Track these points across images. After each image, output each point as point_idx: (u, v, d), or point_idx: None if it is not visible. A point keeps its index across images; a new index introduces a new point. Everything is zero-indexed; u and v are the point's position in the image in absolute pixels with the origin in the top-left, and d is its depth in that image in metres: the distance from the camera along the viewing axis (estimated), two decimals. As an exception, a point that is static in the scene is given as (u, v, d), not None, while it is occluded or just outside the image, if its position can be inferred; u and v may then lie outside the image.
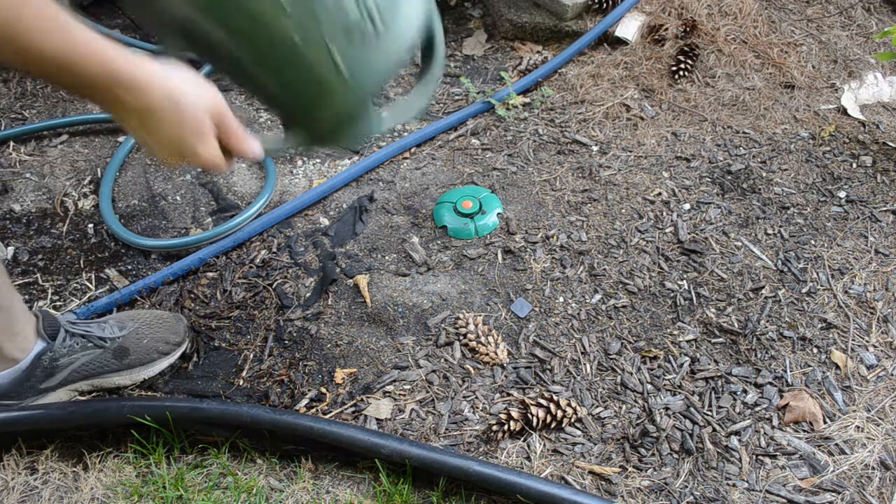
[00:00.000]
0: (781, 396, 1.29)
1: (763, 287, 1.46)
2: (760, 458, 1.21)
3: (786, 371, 1.33)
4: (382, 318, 1.40)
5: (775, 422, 1.26)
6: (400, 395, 1.30)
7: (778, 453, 1.22)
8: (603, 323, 1.41)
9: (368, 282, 1.46)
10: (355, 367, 1.34)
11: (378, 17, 0.78)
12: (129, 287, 1.45)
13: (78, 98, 1.92)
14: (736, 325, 1.39)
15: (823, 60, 2.04)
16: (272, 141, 0.91)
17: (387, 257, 1.52)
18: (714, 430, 1.25)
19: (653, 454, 1.22)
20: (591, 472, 1.19)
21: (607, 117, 1.88)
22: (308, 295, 1.46)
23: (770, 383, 1.31)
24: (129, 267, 1.53)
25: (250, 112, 1.92)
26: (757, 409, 1.28)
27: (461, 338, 1.37)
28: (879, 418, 1.27)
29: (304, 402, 1.28)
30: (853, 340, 1.38)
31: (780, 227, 1.59)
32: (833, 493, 1.16)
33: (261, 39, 0.76)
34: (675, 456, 1.22)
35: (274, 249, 1.55)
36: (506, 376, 1.33)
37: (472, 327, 1.37)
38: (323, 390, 1.30)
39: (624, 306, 1.44)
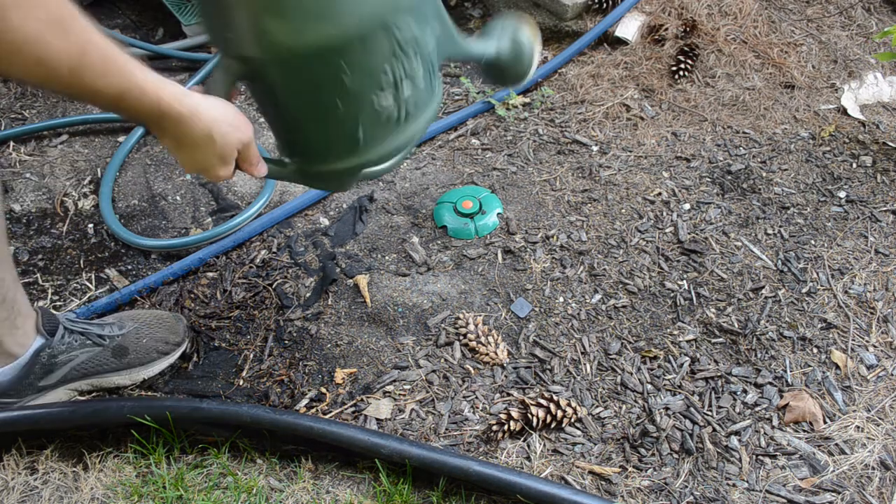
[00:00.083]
0: (781, 396, 1.29)
1: (763, 287, 1.46)
2: (760, 458, 1.21)
3: (786, 371, 1.33)
4: (382, 318, 1.40)
5: (775, 422, 1.26)
6: (400, 395, 1.30)
7: (778, 453, 1.22)
8: (603, 323, 1.41)
9: (368, 282, 1.46)
10: (355, 367, 1.34)
11: (405, 110, 0.90)
12: (129, 287, 1.45)
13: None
14: (736, 325, 1.39)
15: (823, 60, 2.04)
16: (273, 171, 1.00)
17: (387, 257, 1.52)
18: (714, 430, 1.25)
19: (653, 454, 1.22)
20: (591, 472, 1.19)
21: (607, 117, 1.88)
22: (308, 295, 1.46)
23: (770, 383, 1.31)
24: (129, 267, 1.53)
25: (250, 112, 1.92)
26: (757, 409, 1.28)
27: (461, 338, 1.37)
28: (879, 418, 1.27)
29: (304, 402, 1.28)
30: (853, 340, 1.38)
31: (780, 227, 1.59)
32: (833, 493, 1.16)
33: (313, 95, 0.86)
34: (675, 456, 1.22)
35: (274, 249, 1.55)
36: (506, 376, 1.33)
37: (472, 327, 1.37)
38: (323, 390, 1.30)
39: (624, 306, 1.44)
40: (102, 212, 1.60)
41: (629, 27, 2.09)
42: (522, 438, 1.24)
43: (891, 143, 1.81)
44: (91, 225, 1.62)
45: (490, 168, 1.74)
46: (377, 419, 1.26)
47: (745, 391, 1.30)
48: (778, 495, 1.16)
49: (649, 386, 1.31)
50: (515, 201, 1.64)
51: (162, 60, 2.10)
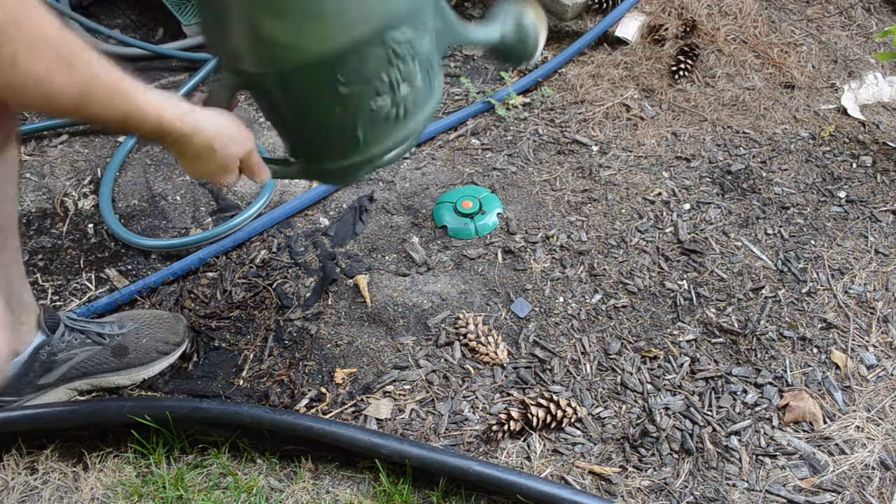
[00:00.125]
0: (781, 396, 1.29)
1: (763, 287, 1.46)
2: (760, 458, 1.21)
3: (786, 371, 1.33)
4: (382, 318, 1.40)
5: (775, 422, 1.26)
6: (400, 395, 1.30)
7: (778, 453, 1.22)
8: (603, 323, 1.41)
9: (368, 282, 1.46)
10: (355, 367, 1.34)
11: (404, 108, 0.91)
12: (129, 287, 1.45)
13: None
14: (736, 325, 1.39)
15: (823, 60, 2.04)
16: (278, 170, 1.04)
17: (387, 257, 1.52)
18: (714, 430, 1.25)
19: (653, 454, 1.22)
20: (591, 472, 1.19)
21: (607, 117, 1.88)
22: (308, 295, 1.46)
23: (770, 383, 1.31)
24: (129, 267, 1.53)
25: (250, 112, 1.92)
26: (757, 409, 1.28)
27: (461, 338, 1.37)
28: (879, 418, 1.27)
29: (304, 402, 1.28)
30: (853, 340, 1.38)
31: (780, 227, 1.59)
32: (833, 493, 1.16)
33: (310, 103, 0.89)
34: (675, 456, 1.22)
35: (274, 249, 1.55)
36: (506, 376, 1.33)
37: (472, 327, 1.37)
38: (323, 390, 1.30)
39: (624, 306, 1.44)
40: (102, 212, 1.60)
41: (629, 27, 2.09)
42: (522, 438, 1.24)
43: (891, 143, 1.81)
44: (91, 225, 1.62)
45: (490, 168, 1.74)
46: (377, 419, 1.26)
47: (745, 391, 1.30)
48: (778, 495, 1.16)
49: (649, 386, 1.31)
50: (515, 201, 1.64)
51: (162, 60, 2.10)
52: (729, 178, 1.71)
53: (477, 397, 1.30)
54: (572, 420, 1.25)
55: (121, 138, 1.84)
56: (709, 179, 1.71)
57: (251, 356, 1.36)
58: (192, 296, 1.46)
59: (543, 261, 1.51)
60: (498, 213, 1.59)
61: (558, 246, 1.54)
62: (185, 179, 1.73)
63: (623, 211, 1.63)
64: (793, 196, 1.66)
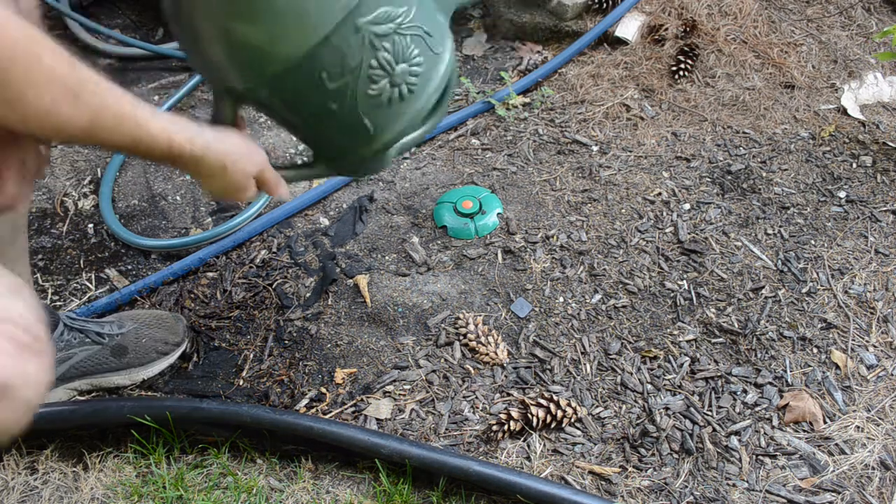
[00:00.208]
0: (781, 396, 1.29)
1: (763, 287, 1.46)
2: (760, 458, 1.21)
3: (786, 371, 1.33)
4: (382, 318, 1.40)
5: (775, 422, 1.26)
6: (400, 395, 1.30)
7: (778, 453, 1.22)
8: (603, 323, 1.41)
9: (368, 282, 1.46)
10: (355, 367, 1.34)
11: (406, 87, 0.89)
12: (129, 287, 1.45)
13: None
14: (736, 325, 1.39)
15: (823, 60, 2.04)
16: (296, 174, 1.05)
17: (387, 257, 1.52)
18: (714, 430, 1.25)
19: (653, 454, 1.22)
20: (591, 472, 1.19)
21: (607, 117, 1.88)
22: (308, 295, 1.46)
23: (770, 383, 1.31)
24: (129, 267, 1.53)
25: (250, 112, 1.92)
26: (757, 409, 1.28)
27: (461, 338, 1.37)
28: (879, 418, 1.27)
29: (304, 402, 1.28)
30: (853, 340, 1.38)
31: (780, 227, 1.59)
32: (833, 493, 1.16)
33: (304, 105, 0.89)
34: (675, 456, 1.22)
35: (274, 249, 1.55)
36: (506, 376, 1.33)
37: (472, 327, 1.37)
38: (323, 390, 1.30)
39: (624, 306, 1.44)
40: (102, 212, 1.60)
41: (629, 27, 2.09)
42: (522, 438, 1.24)
43: (891, 143, 1.81)
44: (91, 225, 1.62)
45: (490, 168, 1.74)
46: (377, 419, 1.26)
47: (745, 391, 1.30)
48: (778, 495, 1.16)
49: (649, 386, 1.31)
50: (515, 201, 1.64)
51: (162, 60, 2.10)
52: (729, 178, 1.71)
53: (477, 397, 1.30)
54: (572, 420, 1.25)
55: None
56: (709, 179, 1.71)
57: (251, 356, 1.36)
58: (192, 296, 1.46)
59: (543, 261, 1.51)
60: (498, 213, 1.59)
61: (558, 246, 1.54)
62: (184, 179, 1.73)
63: (623, 211, 1.63)
64: (793, 196, 1.66)
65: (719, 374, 1.32)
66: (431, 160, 1.78)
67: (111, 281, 1.50)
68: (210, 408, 1.18)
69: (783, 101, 1.92)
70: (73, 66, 0.69)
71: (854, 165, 1.75)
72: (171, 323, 1.33)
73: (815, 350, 1.37)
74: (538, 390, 1.30)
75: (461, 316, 1.39)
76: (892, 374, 1.33)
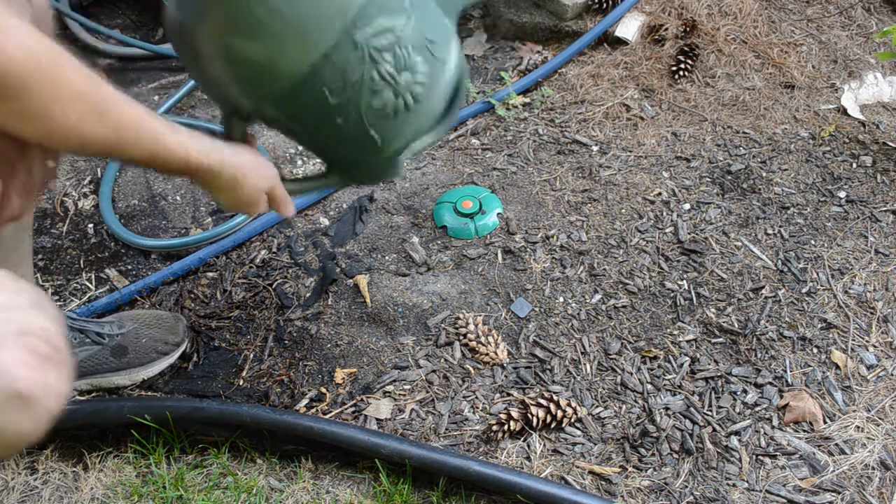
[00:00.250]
0: (781, 396, 1.29)
1: (763, 287, 1.46)
2: (760, 458, 1.21)
3: (786, 371, 1.33)
4: (382, 318, 1.40)
5: (775, 422, 1.26)
6: (400, 395, 1.30)
7: (778, 453, 1.22)
8: (603, 323, 1.41)
9: (368, 282, 1.46)
10: (355, 367, 1.34)
11: (411, 97, 0.88)
12: (129, 287, 1.45)
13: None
14: (736, 325, 1.39)
15: (823, 60, 2.04)
16: (312, 185, 1.07)
17: (387, 257, 1.52)
18: (714, 430, 1.25)
19: (653, 454, 1.22)
20: (591, 472, 1.19)
21: (607, 117, 1.88)
22: (308, 295, 1.46)
23: (770, 383, 1.31)
24: (129, 267, 1.53)
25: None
26: (757, 409, 1.28)
27: (461, 338, 1.37)
28: (879, 418, 1.27)
29: (304, 402, 1.28)
30: (853, 340, 1.38)
31: (780, 227, 1.59)
32: (833, 493, 1.16)
33: (310, 121, 0.90)
34: (675, 456, 1.22)
35: (274, 249, 1.55)
36: (506, 376, 1.33)
37: (472, 327, 1.37)
38: (323, 390, 1.30)
39: (624, 306, 1.44)
40: (102, 212, 1.60)
41: (629, 27, 2.09)
42: (522, 438, 1.24)
43: (891, 143, 1.81)
44: (91, 225, 1.62)
45: (490, 168, 1.74)
46: (377, 419, 1.26)
47: (745, 391, 1.30)
48: (778, 495, 1.16)
49: (649, 386, 1.31)
50: (515, 201, 1.64)
51: (162, 60, 2.10)
52: (729, 178, 1.71)
53: (477, 397, 1.30)
54: (572, 420, 1.25)
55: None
56: (709, 179, 1.71)
57: (251, 356, 1.36)
58: (192, 296, 1.46)
59: (543, 261, 1.51)
60: (498, 213, 1.59)
61: (558, 246, 1.54)
62: (184, 180, 1.74)
63: (623, 211, 1.63)
64: (793, 196, 1.66)
65: (719, 374, 1.32)
66: (431, 160, 1.78)
67: (111, 281, 1.50)
68: (210, 408, 1.18)
69: (783, 101, 1.92)
70: (97, 83, 0.71)
71: (854, 165, 1.75)
72: (171, 323, 1.33)
73: (815, 350, 1.37)
74: (538, 390, 1.30)
75: (461, 316, 1.39)
76: (892, 374, 1.33)
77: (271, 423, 1.16)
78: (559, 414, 1.22)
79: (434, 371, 1.33)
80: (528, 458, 1.21)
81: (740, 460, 1.21)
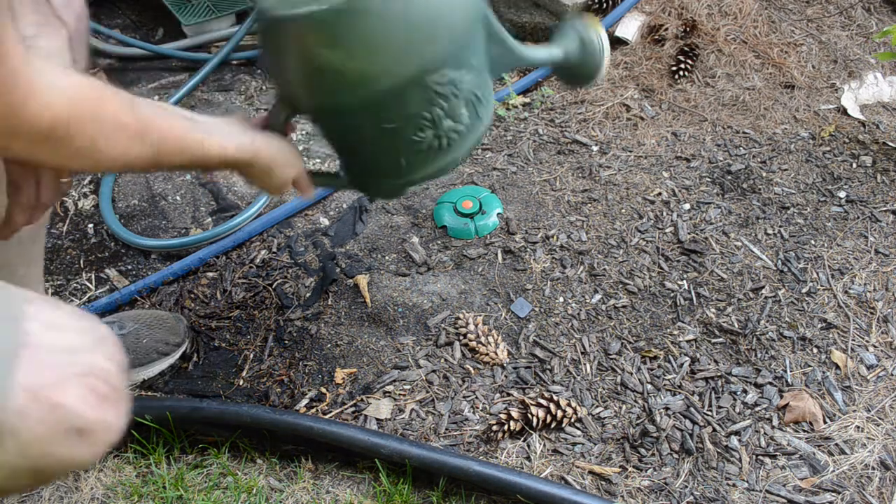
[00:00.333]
0: (781, 396, 1.29)
1: (763, 287, 1.46)
2: (760, 458, 1.21)
3: (786, 371, 1.33)
4: (382, 318, 1.40)
5: (775, 422, 1.26)
6: (400, 395, 1.30)
7: (778, 453, 1.22)
8: (603, 323, 1.41)
9: (368, 282, 1.46)
10: (355, 367, 1.34)
11: (446, 141, 0.95)
12: (129, 287, 1.45)
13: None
14: (736, 325, 1.39)
15: (823, 60, 2.04)
16: (329, 182, 1.14)
17: (387, 257, 1.52)
18: (714, 430, 1.25)
19: (653, 454, 1.22)
20: (591, 472, 1.19)
21: (607, 117, 1.88)
22: (308, 295, 1.46)
23: (770, 383, 1.31)
24: (129, 267, 1.53)
25: (250, 112, 1.92)
26: (757, 409, 1.28)
27: (461, 338, 1.37)
28: (879, 418, 1.27)
29: (304, 402, 1.28)
30: (853, 340, 1.38)
31: (780, 227, 1.59)
32: (833, 493, 1.16)
33: (353, 134, 0.97)
34: (675, 456, 1.22)
35: (274, 249, 1.55)
36: (506, 376, 1.33)
37: (472, 327, 1.37)
38: (323, 390, 1.30)
39: (624, 306, 1.44)
40: (102, 212, 1.60)
41: (629, 27, 2.09)
42: (522, 438, 1.24)
43: (891, 143, 1.81)
44: (91, 225, 1.62)
45: (490, 168, 1.74)
46: (377, 419, 1.26)
47: (745, 391, 1.30)
48: (778, 495, 1.16)
49: (649, 386, 1.31)
50: (515, 201, 1.64)
51: (162, 60, 2.10)
52: (729, 178, 1.71)
53: (477, 397, 1.30)
54: (572, 420, 1.25)
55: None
56: (709, 179, 1.71)
57: (251, 356, 1.36)
58: (192, 296, 1.47)
59: (543, 261, 1.51)
60: (498, 213, 1.59)
61: (558, 246, 1.54)
62: (184, 179, 1.74)
63: (623, 211, 1.63)
64: (793, 196, 1.66)
65: (719, 374, 1.32)
66: (431, 160, 1.77)
67: (111, 281, 1.50)
68: (210, 408, 1.19)
69: (783, 101, 1.92)
70: (134, 107, 0.74)
71: (854, 165, 1.75)
72: (171, 323, 1.34)
73: (815, 350, 1.37)
74: (538, 390, 1.30)
75: (461, 316, 1.40)
76: (892, 374, 1.33)
77: (271, 423, 1.16)
78: (559, 414, 1.22)
79: (434, 371, 1.33)
80: (528, 458, 1.21)
81: (740, 460, 1.21)
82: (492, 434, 1.22)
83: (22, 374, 0.56)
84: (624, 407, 1.29)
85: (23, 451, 0.56)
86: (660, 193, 1.67)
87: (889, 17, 2.21)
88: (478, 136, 1.01)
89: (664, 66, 2.00)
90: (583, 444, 1.23)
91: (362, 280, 1.46)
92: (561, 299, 1.45)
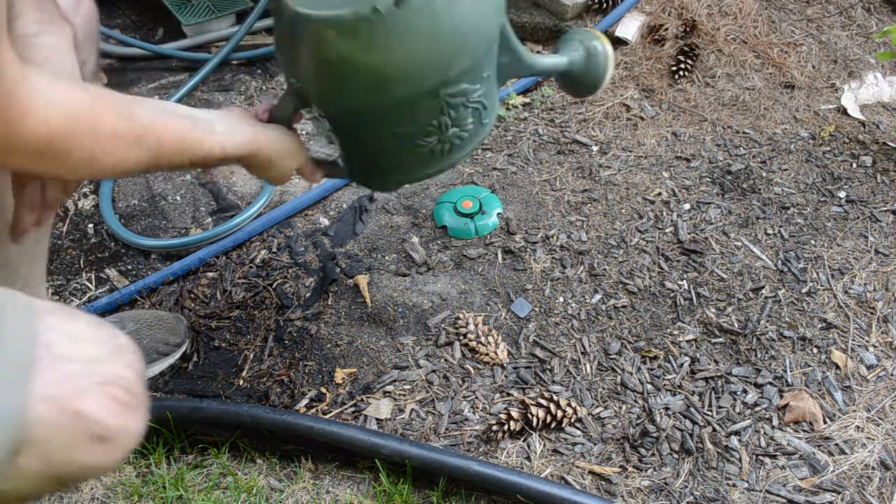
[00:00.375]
0: (781, 396, 1.29)
1: (763, 287, 1.46)
2: (760, 458, 1.21)
3: (786, 371, 1.33)
4: (382, 318, 1.40)
5: (775, 422, 1.26)
6: (400, 395, 1.30)
7: (778, 453, 1.22)
8: (603, 323, 1.41)
9: (368, 282, 1.46)
10: (355, 367, 1.34)
11: (448, 146, 0.96)
12: (129, 287, 1.45)
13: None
14: (736, 325, 1.39)
15: (823, 60, 2.04)
16: (328, 171, 1.13)
17: (387, 257, 1.52)
18: (714, 430, 1.25)
19: (653, 454, 1.22)
20: (591, 472, 1.19)
21: (607, 117, 1.88)
22: (308, 295, 1.46)
23: (770, 383, 1.31)
24: (129, 267, 1.53)
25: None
26: (757, 409, 1.28)
27: (461, 338, 1.37)
28: (879, 418, 1.27)
29: (304, 402, 1.28)
30: (853, 340, 1.38)
31: (780, 227, 1.59)
32: (833, 493, 1.16)
33: (360, 133, 0.98)
34: (675, 456, 1.22)
35: (274, 249, 1.55)
36: (506, 376, 1.33)
37: (472, 327, 1.37)
38: (323, 390, 1.30)
39: (624, 306, 1.44)
40: (102, 212, 1.60)
41: (629, 27, 2.09)
42: (522, 438, 1.24)
43: (891, 143, 1.81)
44: (91, 225, 1.62)
45: (490, 168, 1.74)
46: (377, 419, 1.26)
47: (745, 391, 1.30)
48: (778, 495, 1.16)
49: (649, 386, 1.31)
50: (515, 201, 1.64)
51: (162, 60, 2.10)
52: (729, 178, 1.71)
53: (477, 397, 1.30)
54: (572, 420, 1.25)
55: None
56: (709, 179, 1.71)
57: (251, 356, 1.36)
58: (192, 296, 1.47)
59: (543, 261, 1.51)
60: (498, 213, 1.59)
61: (558, 246, 1.54)
62: (184, 179, 1.74)
63: (623, 211, 1.63)
64: (793, 196, 1.66)
65: (719, 374, 1.32)
66: (431, 160, 1.78)
67: (111, 281, 1.50)
68: (210, 408, 1.18)
69: (783, 101, 1.92)
70: (132, 114, 0.74)
71: (854, 165, 1.75)
72: (172, 323, 1.34)
73: (815, 350, 1.37)
74: (538, 390, 1.30)
75: (461, 316, 1.40)
76: (892, 374, 1.33)
77: (271, 423, 1.16)
78: (559, 414, 1.22)
79: (434, 371, 1.33)
80: (528, 458, 1.21)
81: (740, 460, 1.21)
82: (492, 434, 1.22)
83: (44, 384, 0.58)
84: (624, 407, 1.29)
85: (46, 458, 0.58)
86: (660, 193, 1.67)
87: (889, 17, 2.21)
88: (479, 140, 1.02)
89: (664, 66, 2.00)
90: (583, 444, 1.23)
91: (362, 280, 1.46)
92: (561, 299, 1.45)
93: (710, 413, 1.27)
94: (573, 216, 1.61)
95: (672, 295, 1.46)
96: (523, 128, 1.85)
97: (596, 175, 1.71)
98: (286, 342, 1.38)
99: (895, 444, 1.23)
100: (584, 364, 1.35)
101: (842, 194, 1.67)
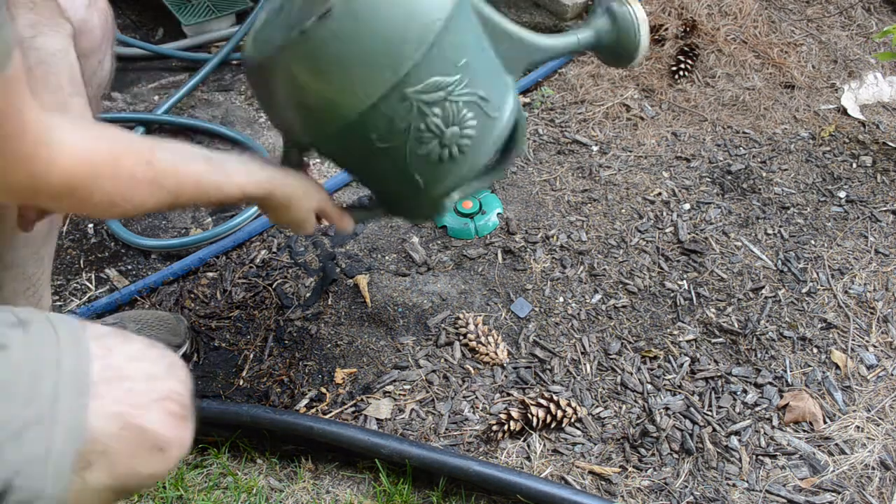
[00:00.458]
0: (781, 396, 1.29)
1: (763, 287, 1.46)
2: (760, 458, 1.21)
3: (786, 371, 1.33)
4: (382, 318, 1.40)
5: (775, 422, 1.26)
6: (400, 395, 1.30)
7: (778, 453, 1.22)
8: (603, 323, 1.41)
9: (368, 282, 1.46)
10: (355, 367, 1.34)
11: (457, 148, 0.92)
12: (129, 287, 1.45)
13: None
14: (736, 325, 1.39)
15: (823, 60, 2.04)
16: (364, 215, 1.14)
17: (387, 257, 1.52)
18: (714, 430, 1.25)
19: (653, 454, 1.22)
20: (591, 472, 1.19)
21: (607, 117, 1.88)
22: (308, 295, 1.46)
23: (770, 383, 1.31)
24: (129, 267, 1.53)
25: (250, 112, 1.92)
26: (757, 409, 1.28)
27: (461, 338, 1.37)
28: (879, 418, 1.27)
29: (304, 402, 1.28)
30: (853, 340, 1.38)
31: (780, 227, 1.59)
32: (833, 493, 1.16)
33: (360, 160, 0.98)
34: (675, 456, 1.22)
35: (274, 249, 1.55)
36: (506, 376, 1.33)
37: (472, 327, 1.37)
38: (323, 390, 1.30)
39: (624, 306, 1.44)
40: (102, 212, 1.60)
41: (629, 27, 2.09)
42: (522, 438, 1.24)
43: (891, 143, 1.81)
44: (91, 225, 1.62)
45: (490, 168, 1.74)
46: (377, 419, 1.26)
47: (745, 391, 1.30)
48: (778, 495, 1.16)
49: (649, 386, 1.31)
50: (515, 201, 1.64)
51: (162, 60, 2.10)
52: (729, 178, 1.71)
53: (477, 397, 1.30)
54: (572, 420, 1.25)
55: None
56: (709, 179, 1.71)
57: (251, 356, 1.36)
58: (192, 296, 1.47)
59: (543, 261, 1.51)
60: (498, 213, 1.59)
61: (558, 246, 1.54)
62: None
63: (623, 211, 1.63)
64: (793, 196, 1.66)
65: (719, 374, 1.32)
66: (431, 160, 1.77)
67: (111, 281, 1.50)
68: (210, 408, 1.18)
69: (783, 101, 1.92)
70: (152, 158, 0.76)
71: (854, 165, 1.75)
72: (172, 324, 1.34)
73: (815, 350, 1.37)
74: (538, 390, 1.30)
75: (461, 316, 1.40)
76: (892, 374, 1.33)
77: (271, 423, 1.16)
78: (559, 414, 1.22)
79: (434, 371, 1.33)
80: (528, 458, 1.21)
81: (740, 460, 1.21)
82: (492, 434, 1.22)
83: (110, 401, 0.63)
84: (624, 407, 1.29)
85: (111, 470, 0.63)
86: (660, 193, 1.67)
87: (889, 17, 2.21)
88: (496, 136, 0.96)
89: (664, 66, 2.00)
90: (583, 444, 1.23)
91: (362, 280, 1.46)
92: (561, 299, 1.45)
93: (710, 413, 1.27)
94: (573, 216, 1.61)
95: (672, 295, 1.46)
96: (523, 128, 1.85)
97: (596, 175, 1.71)
98: (286, 342, 1.38)
99: (895, 444, 1.23)
100: (584, 364, 1.35)
101: (842, 194, 1.67)
